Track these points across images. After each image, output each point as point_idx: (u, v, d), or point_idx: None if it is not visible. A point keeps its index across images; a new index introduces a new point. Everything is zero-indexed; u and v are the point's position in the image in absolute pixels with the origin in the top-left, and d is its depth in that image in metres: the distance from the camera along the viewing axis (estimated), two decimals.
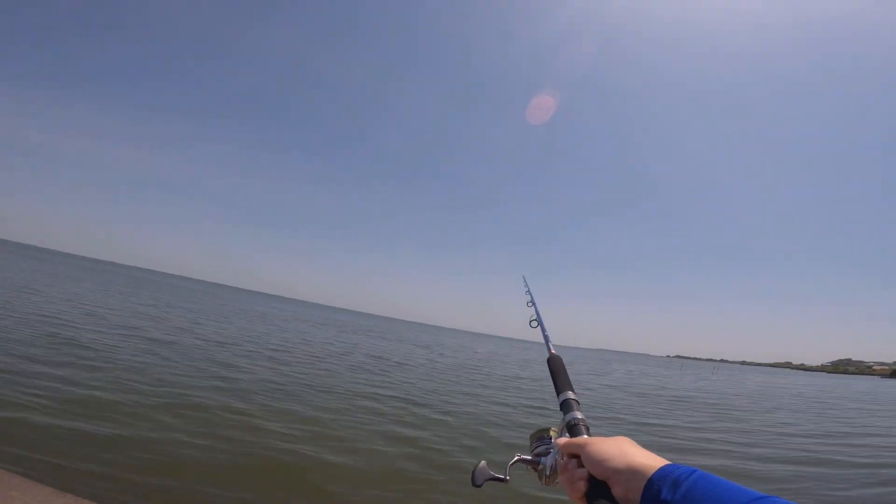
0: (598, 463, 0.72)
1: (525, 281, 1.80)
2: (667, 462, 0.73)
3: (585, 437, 0.77)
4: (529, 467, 0.85)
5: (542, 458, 0.83)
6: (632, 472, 0.72)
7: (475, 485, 0.82)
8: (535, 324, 1.48)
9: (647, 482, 0.73)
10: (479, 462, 0.85)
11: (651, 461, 0.72)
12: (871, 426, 13.32)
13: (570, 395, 0.90)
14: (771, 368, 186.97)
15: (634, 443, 0.72)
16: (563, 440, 0.77)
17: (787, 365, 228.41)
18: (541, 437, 0.88)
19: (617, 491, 0.72)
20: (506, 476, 0.82)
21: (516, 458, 0.85)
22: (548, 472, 0.81)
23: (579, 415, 0.83)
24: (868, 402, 23.42)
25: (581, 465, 0.71)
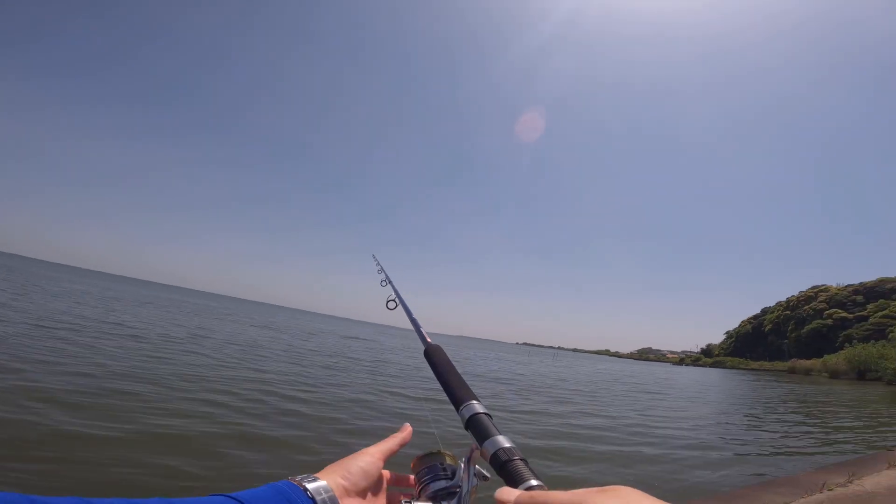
0: None
1: (376, 259, 1.66)
2: None
3: (556, 494, 0.39)
4: None
5: (441, 502, 0.52)
6: None
7: None
8: (393, 304, 1.30)
9: None
10: None
11: None
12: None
13: (477, 406, 0.58)
14: (595, 355, 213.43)
15: (649, 498, 0.39)
16: (512, 493, 0.42)
17: (606, 352, 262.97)
18: (432, 466, 0.57)
19: None
20: None
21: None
22: None
23: (507, 442, 0.50)
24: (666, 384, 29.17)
25: None
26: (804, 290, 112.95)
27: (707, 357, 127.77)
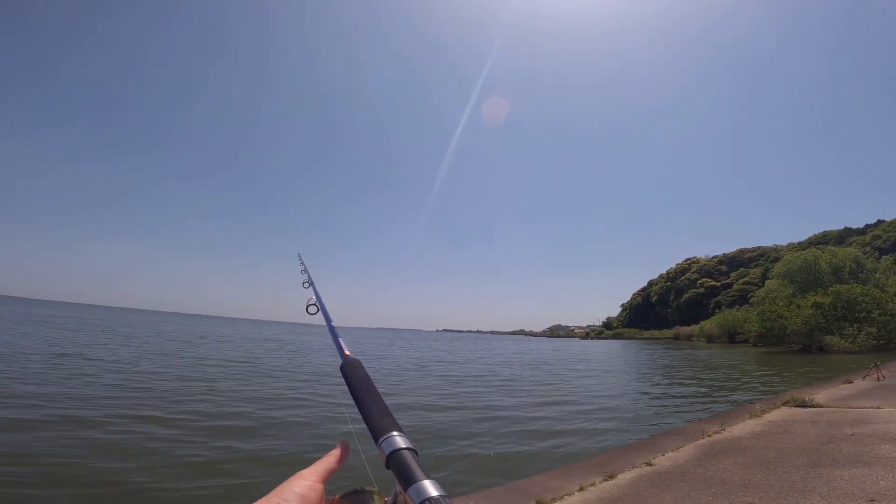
0: None
1: (301, 259, 1.58)
2: None
3: None
4: None
5: None
6: None
7: None
8: (314, 309, 1.20)
9: None
10: None
11: None
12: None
13: (400, 440, 0.49)
14: (511, 336, 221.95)
15: None
16: None
17: (522, 332, 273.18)
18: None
19: None
20: None
21: None
22: None
23: (435, 490, 0.42)
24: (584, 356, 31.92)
25: None
26: (680, 262, 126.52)
27: (608, 330, 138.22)
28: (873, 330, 33.02)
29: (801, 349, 35.74)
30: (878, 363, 13.02)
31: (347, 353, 0.78)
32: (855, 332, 32.91)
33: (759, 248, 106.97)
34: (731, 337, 57.51)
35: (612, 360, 31.21)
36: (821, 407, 8.58)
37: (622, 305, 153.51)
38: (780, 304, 40.90)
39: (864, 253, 52.84)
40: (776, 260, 70.13)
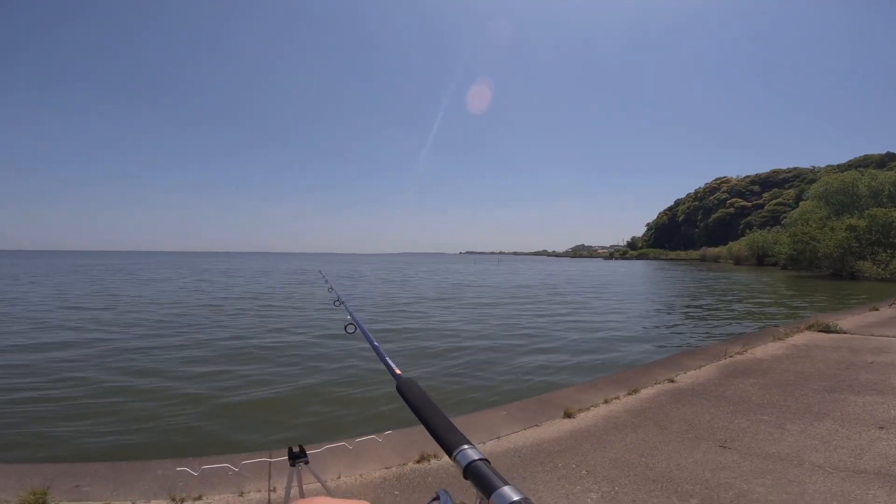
0: None
1: (324, 276, 1.46)
2: None
3: None
4: None
5: None
6: None
7: None
8: (352, 328, 1.17)
9: None
10: None
11: None
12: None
13: (472, 452, 0.51)
14: (534, 256, 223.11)
15: None
16: None
17: (544, 252, 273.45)
18: None
19: None
20: None
21: None
22: None
23: (516, 495, 0.45)
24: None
25: None
26: (709, 181, 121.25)
27: (633, 250, 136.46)
28: None
29: (831, 274, 34.85)
30: None
31: (399, 372, 0.78)
32: (888, 258, 31.68)
33: (795, 168, 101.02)
34: (760, 259, 55.86)
35: (635, 282, 31.37)
36: (844, 333, 8.56)
37: (647, 225, 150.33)
38: (814, 225, 39.26)
39: None
40: (812, 182, 66.23)
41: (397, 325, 12.24)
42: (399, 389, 0.71)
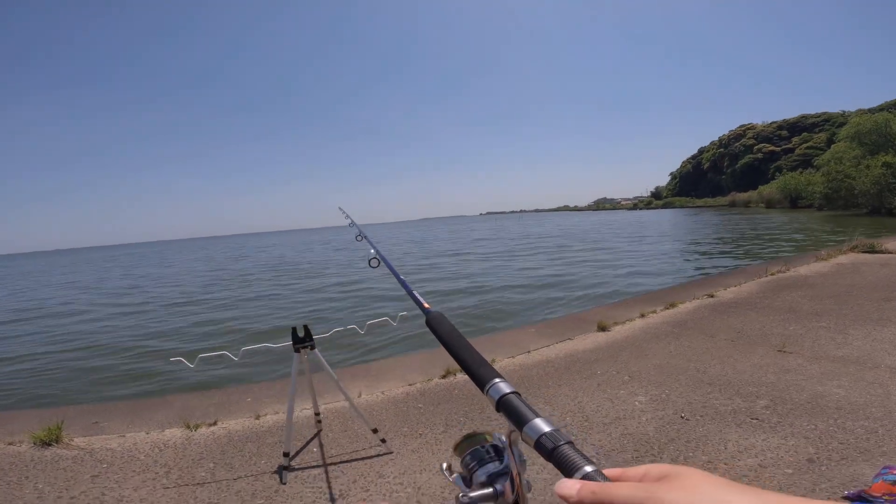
0: None
1: (344, 211, 1.53)
2: None
3: (620, 488, 0.32)
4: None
5: (495, 487, 0.47)
6: None
7: None
8: (376, 262, 1.19)
9: None
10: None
11: None
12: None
13: (504, 386, 0.49)
14: (556, 213, 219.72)
15: (729, 483, 0.30)
16: (573, 486, 0.35)
17: (566, 208, 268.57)
18: (475, 451, 0.52)
19: None
20: None
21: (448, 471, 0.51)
22: None
23: (548, 426, 0.42)
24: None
25: None
26: (733, 128, 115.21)
27: (657, 199, 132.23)
28: None
29: (869, 212, 33.01)
30: None
31: (427, 305, 0.75)
32: None
33: (825, 113, 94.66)
34: (794, 202, 52.94)
35: (663, 229, 30.31)
36: (890, 253, 7.92)
37: (671, 174, 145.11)
38: (847, 164, 36.97)
39: None
40: (842, 125, 62.04)
41: (423, 274, 12.12)
42: (429, 323, 0.69)
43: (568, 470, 0.39)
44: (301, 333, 2.43)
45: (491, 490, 0.47)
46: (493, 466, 0.49)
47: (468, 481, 0.50)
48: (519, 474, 0.46)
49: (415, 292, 0.83)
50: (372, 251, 1.19)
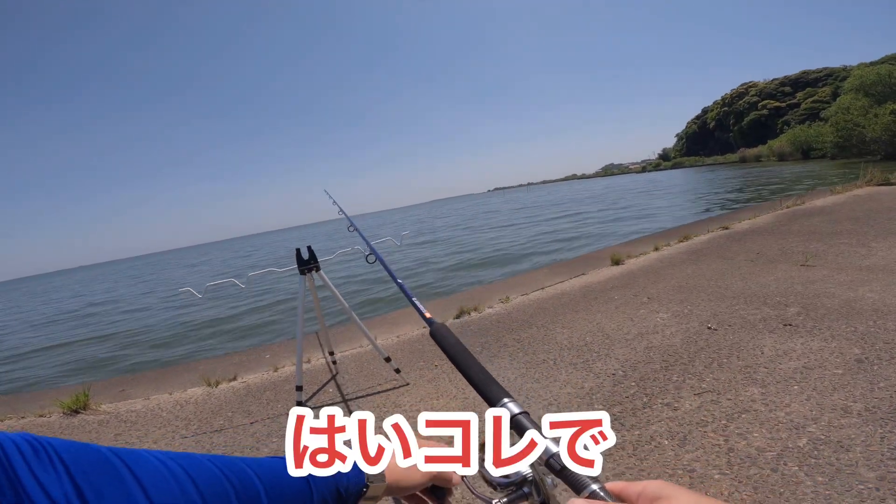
0: None
1: (330, 196, 1.48)
2: None
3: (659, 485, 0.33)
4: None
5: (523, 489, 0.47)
6: None
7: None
8: (372, 258, 1.10)
9: None
10: None
11: None
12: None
13: (513, 406, 0.49)
14: (564, 182, 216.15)
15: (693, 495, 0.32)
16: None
17: (573, 177, 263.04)
18: None
19: None
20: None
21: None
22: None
23: (555, 447, 0.43)
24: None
25: None
26: (735, 87, 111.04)
27: (666, 161, 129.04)
28: None
29: (883, 157, 31.95)
30: None
31: (429, 315, 0.72)
32: None
33: (826, 68, 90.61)
34: (805, 153, 51.47)
35: (678, 185, 29.63)
36: None
37: (677, 135, 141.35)
38: (855, 113, 35.70)
39: None
40: (845, 79, 59.52)
41: (436, 247, 12.04)
42: (433, 335, 0.65)
43: (577, 487, 0.40)
44: (305, 255, 2.39)
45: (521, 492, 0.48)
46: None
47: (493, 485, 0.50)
48: (542, 480, 0.47)
49: (414, 298, 0.79)
50: (366, 249, 1.06)
